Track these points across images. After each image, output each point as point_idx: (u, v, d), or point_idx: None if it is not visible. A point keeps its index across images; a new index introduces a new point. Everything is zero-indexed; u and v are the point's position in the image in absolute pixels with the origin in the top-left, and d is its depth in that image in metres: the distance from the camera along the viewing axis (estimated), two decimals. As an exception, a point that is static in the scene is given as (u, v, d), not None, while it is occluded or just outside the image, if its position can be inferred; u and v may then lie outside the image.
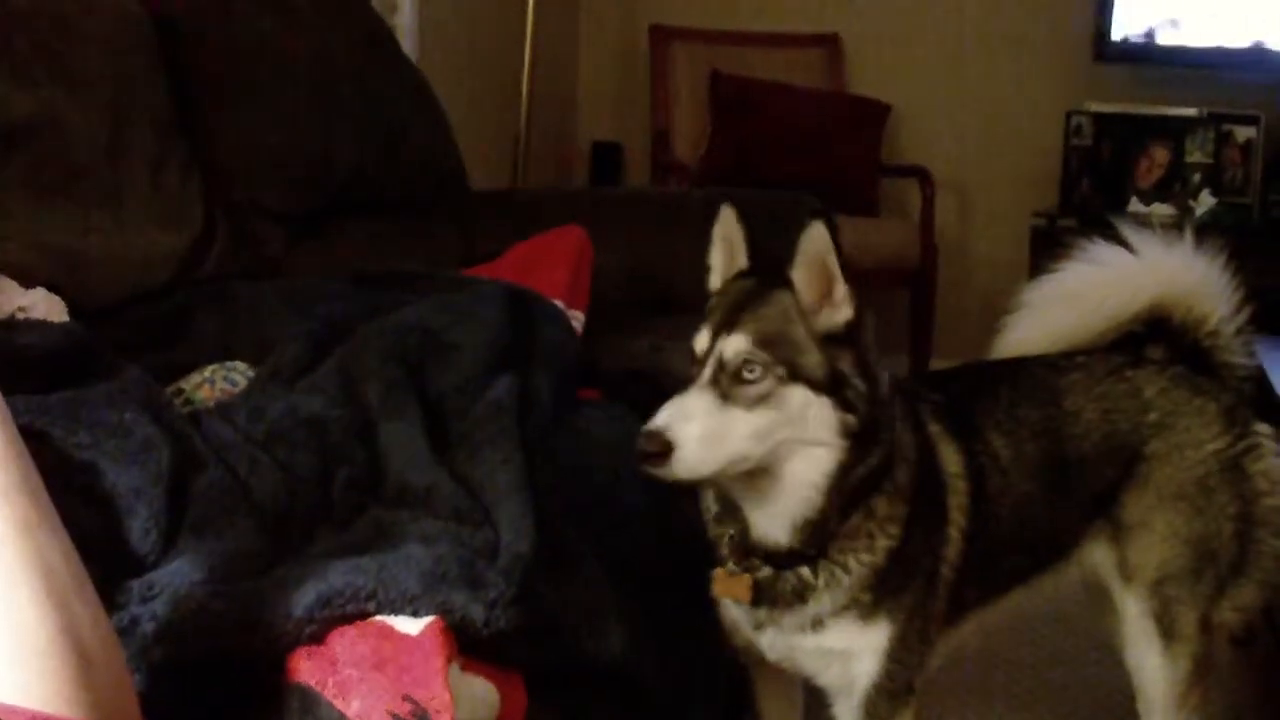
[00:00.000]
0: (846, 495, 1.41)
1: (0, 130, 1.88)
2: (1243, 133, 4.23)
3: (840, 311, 1.37)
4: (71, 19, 2.01)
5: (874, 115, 4.57)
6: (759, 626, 1.50)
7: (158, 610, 1.05)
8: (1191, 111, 4.25)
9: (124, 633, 1.02)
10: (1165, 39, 4.34)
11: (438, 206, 2.70)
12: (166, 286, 2.00)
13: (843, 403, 1.37)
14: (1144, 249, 1.74)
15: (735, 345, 1.34)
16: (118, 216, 1.99)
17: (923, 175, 4.41)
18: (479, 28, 4.29)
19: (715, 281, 1.46)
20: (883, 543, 1.44)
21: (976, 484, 1.56)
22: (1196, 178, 4.24)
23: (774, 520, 1.42)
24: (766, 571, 1.45)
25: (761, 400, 1.34)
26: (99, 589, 0.90)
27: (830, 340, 1.37)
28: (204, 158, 2.21)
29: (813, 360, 1.36)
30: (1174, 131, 4.24)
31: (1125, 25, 4.35)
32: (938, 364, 4.41)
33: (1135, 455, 1.68)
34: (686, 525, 1.55)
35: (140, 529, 1.17)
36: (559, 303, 2.04)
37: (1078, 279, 1.77)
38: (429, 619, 1.09)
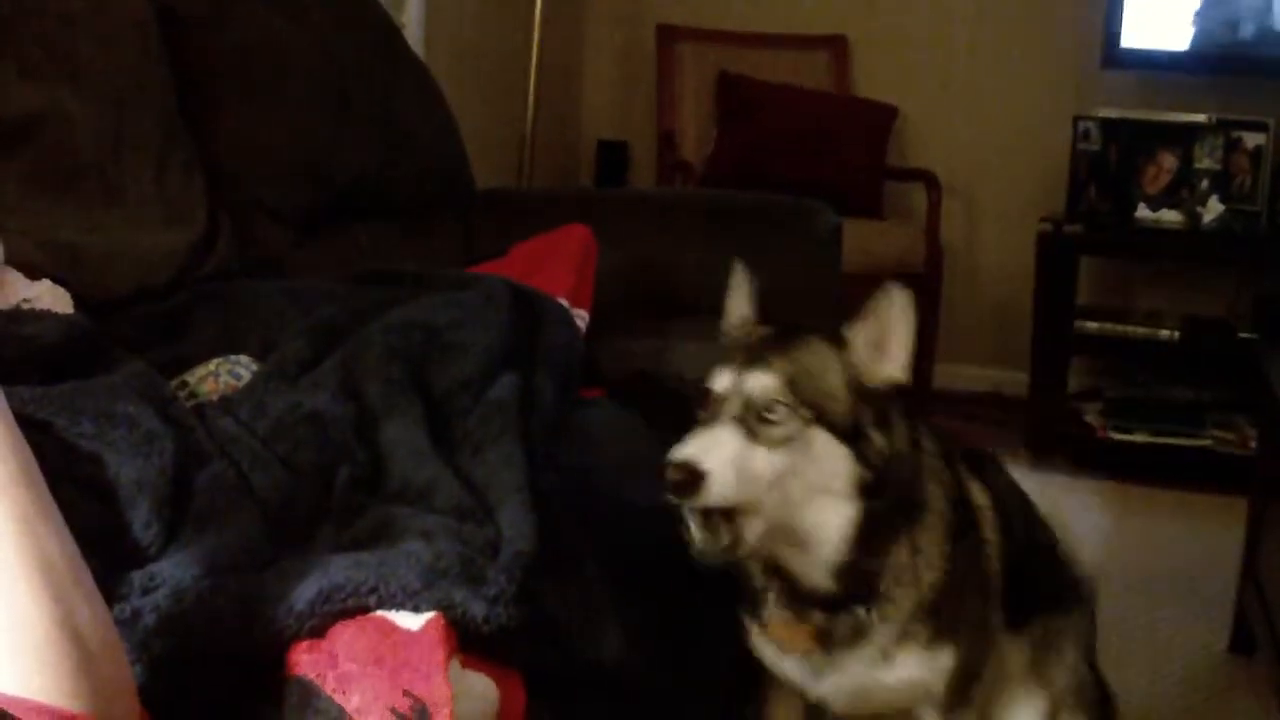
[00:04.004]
0: (872, 539, 1.42)
1: (5, 126, 1.88)
2: (1252, 139, 4.21)
3: (896, 370, 1.39)
4: (78, 15, 2.00)
5: (880, 118, 4.56)
6: (819, 672, 1.51)
7: (159, 603, 1.05)
8: (1200, 118, 4.23)
9: (125, 625, 1.02)
10: (1174, 45, 4.34)
11: (442, 205, 2.69)
12: (169, 285, 1.99)
13: (861, 456, 1.38)
14: None
15: (763, 383, 1.35)
16: (121, 214, 1.98)
17: (929, 179, 4.40)
18: (485, 27, 4.29)
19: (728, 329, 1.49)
20: (928, 576, 1.47)
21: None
22: (1205, 184, 4.22)
23: (815, 569, 1.43)
24: (821, 618, 1.46)
25: (785, 441, 1.34)
26: (100, 580, 0.90)
27: (864, 395, 1.38)
28: (208, 156, 2.21)
29: (841, 409, 1.37)
30: (1182, 137, 4.22)
31: (1134, 30, 4.34)
32: (942, 368, 4.41)
33: None
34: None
35: (142, 521, 1.17)
36: (563, 301, 2.04)
37: None
38: (430, 615, 1.09)
